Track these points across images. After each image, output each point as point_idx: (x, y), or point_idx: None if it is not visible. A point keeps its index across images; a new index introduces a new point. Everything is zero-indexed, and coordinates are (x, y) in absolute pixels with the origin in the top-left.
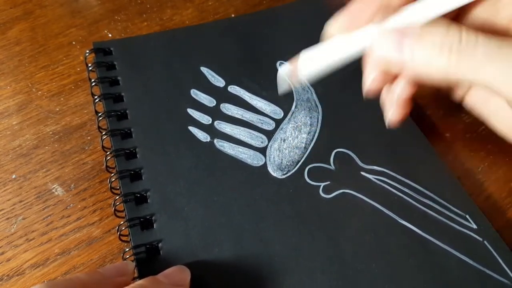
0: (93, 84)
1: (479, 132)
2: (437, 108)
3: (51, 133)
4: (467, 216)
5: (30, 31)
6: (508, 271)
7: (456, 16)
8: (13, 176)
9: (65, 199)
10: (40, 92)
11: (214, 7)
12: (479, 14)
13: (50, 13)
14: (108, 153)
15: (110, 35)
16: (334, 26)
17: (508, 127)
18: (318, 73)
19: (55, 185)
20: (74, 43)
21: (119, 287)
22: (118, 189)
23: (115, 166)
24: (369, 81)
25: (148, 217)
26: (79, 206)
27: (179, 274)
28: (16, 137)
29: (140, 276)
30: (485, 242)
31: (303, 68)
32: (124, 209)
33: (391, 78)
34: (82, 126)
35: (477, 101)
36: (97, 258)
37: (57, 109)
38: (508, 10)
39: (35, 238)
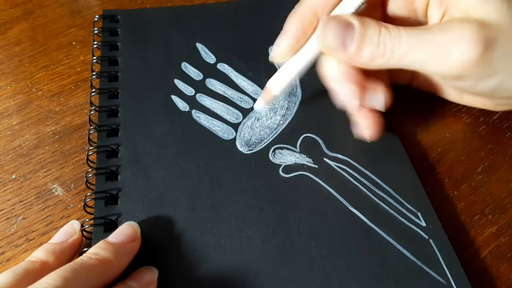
0: (95, 46)
1: (479, 132)
2: (437, 108)
3: (51, 133)
4: (419, 214)
5: (30, 31)
6: (447, 272)
7: (382, 16)
8: (13, 176)
9: (65, 199)
10: (40, 92)
11: None
12: (397, 9)
13: (50, 13)
14: (92, 108)
15: None
16: (278, 53)
17: (453, 95)
18: (287, 87)
19: (55, 185)
20: (74, 43)
21: (75, 248)
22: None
23: (95, 135)
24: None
25: (114, 170)
26: (79, 206)
27: (127, 230)
28: (16, 137)
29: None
30: (431, 240)
31: (273, 90)
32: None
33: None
34: (82, 126)
35: (422, 82)
36: None
37: (57, 109)
38: (419, 2)
39: (35, 238)
